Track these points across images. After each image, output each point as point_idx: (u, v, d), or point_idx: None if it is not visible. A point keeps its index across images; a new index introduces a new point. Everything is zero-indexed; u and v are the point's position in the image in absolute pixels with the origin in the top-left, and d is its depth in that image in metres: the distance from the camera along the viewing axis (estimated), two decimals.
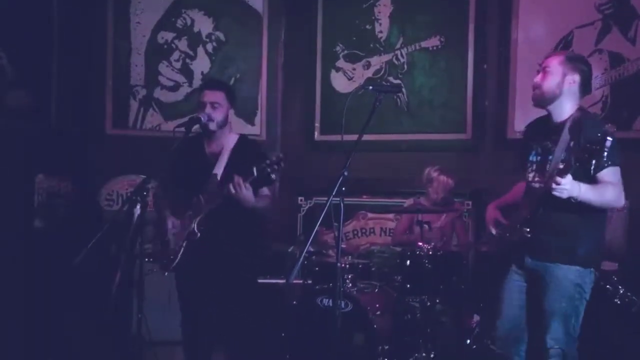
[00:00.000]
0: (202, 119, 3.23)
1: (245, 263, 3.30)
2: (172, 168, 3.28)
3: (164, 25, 5.14)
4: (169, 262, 3.20)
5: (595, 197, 2.55)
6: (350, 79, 5.10)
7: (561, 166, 2.43)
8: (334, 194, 2.45)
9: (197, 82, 5.09)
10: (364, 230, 5.00)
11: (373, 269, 4.18)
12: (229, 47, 5.21)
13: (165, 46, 5.15)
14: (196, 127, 3.31)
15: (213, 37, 5.19)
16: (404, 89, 4.82)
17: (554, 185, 2.43)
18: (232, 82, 5.13)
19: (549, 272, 2.67)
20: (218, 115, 3.26)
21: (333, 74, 5.16)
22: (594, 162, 2.39)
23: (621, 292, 3.51)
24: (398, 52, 4.94)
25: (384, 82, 4.80)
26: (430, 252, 3.80)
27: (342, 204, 2.48)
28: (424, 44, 4.85)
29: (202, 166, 3.31)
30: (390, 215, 4.88)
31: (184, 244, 3.18)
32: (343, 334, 3.52)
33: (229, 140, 3.33)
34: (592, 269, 2.71)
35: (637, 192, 3.97)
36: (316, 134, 5.21)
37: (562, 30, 4.31)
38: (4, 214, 4.31)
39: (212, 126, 3.25)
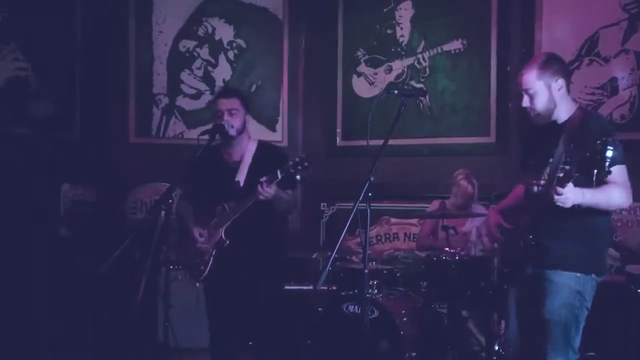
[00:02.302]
0: (225, 126, 3.24)
1: (272, 270, 3.30)
2: (193, 177, 3.29)
3: (186, 34, 5.17)
4: (199, 273, 3.20)
5: (601, 200, 2.44)
6: (371, 83, 5.08)
7: (561, 174, 2.32)
8: (360, 199, 2.43)
9: (218, 89, 5.11)
10: (387, 236, 4.97)
11: (398, 274, 4.13)
12: (250, 54, 5.22)
13: (187, 54, 5.18)
14: (219, 135, 3.32)
15: (234, 45, 5.22)
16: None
17: (555, 197, 2.33)
18: (253, 88, 5.15)
19: (548, 279, 2.57)
20: (236, 122, 3.28)
21: (354, 79, 5.15)
22: (595, 172, 2.25)
23: None
24: (420, 56, 4.91)
25: (406, 87, 4.78)
26: (457, 258, 3.76)
27: (368, 210, 2.46)
28: (445, 47, 4.82)
29: (224, 174, 3.31)
30: (414, 220, 4.84)
31: (213, 253, 3.18)
32: (369, 340, 3.48)
33: (249, 147, 3.34)
34: (593, 275, 2.59)
35: None
36: (338, 139, 5.20)
37: (587, 31, 4.25)
38: (30, 223, 4.35)
39: (232, 132, 3.26)
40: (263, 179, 3.01)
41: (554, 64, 2.62)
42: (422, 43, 4.89)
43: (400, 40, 4.98)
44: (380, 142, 2.63)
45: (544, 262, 2.57)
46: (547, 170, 2.53)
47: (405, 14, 4.96)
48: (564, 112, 2.63)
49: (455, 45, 4.78)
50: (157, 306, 3.96)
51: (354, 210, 2.40)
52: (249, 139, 3.39)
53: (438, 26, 4.83)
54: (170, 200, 2.93)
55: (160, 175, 4.69)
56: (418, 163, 4.90)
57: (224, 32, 5.20)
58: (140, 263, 3.08)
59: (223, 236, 3.17)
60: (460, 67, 4.78)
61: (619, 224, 4.07)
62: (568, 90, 2.63)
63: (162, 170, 4.48)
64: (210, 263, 3.17)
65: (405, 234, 4.93)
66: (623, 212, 4.06)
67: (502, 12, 4.59)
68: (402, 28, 4.97)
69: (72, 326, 4.24)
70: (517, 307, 2.73)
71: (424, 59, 4.90)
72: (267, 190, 3.00)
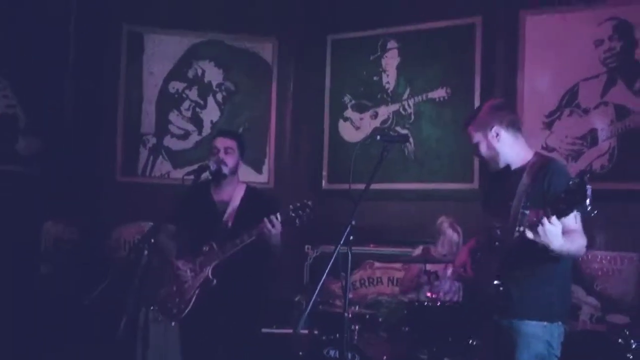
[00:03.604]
0: (211, 167, 3.27)
1: (254, 311, 3.28)
2: (181, 215, 3.30)
3: (176, 75, 5.24)
4: (179, 311, 3.17)
5: (572, 247, 2.45)
6: (357, 128, 5.15)
7: (540, 212, 2.31)
8: (341, 243, 2.44)
9: (206, 130, 5.16)
10: (371, 280, 4.96)
11: (380, 319, 4.12)
12: (238, 96, 5.29)
13: (176, 95, 5.24)
14: (205, 174, 3.35)
15: (223, 87, 5.29)
16: (411, 139, 4.85)
17: (547, 226, 2.27)
18: (240, 130, 5.19)
19: (516, 330, 2.56)
20: (230, 161, 3.32)
21: (341, 123, 5.22)
22: (575, 212, 2.27)
23: (634, 346, 3.43)
24: (405, 103, 5.00)
25: (391, 132, 4.84)
26: (438, 303, 3.76)
27: (349, 254, 2.47)
28: (430, 95, 4.92)
29: (211, 214, 3.32)
30: (398, 265, 4.83)
31: (197, 292, 3.16)
32: None
33: (237, 190, 3.37)
34: (559, 323, 2.60)
35: None
36: (324, 182, 5.23)
37: (567, 83, 4.36)
38: (10, 260, 4.31)
39: (225, 170, 3.30)
40: (274, 216, 3.01)
41: (489, 115, 2.72)
42: (408, 90, 4.99)
43: (386, 87, 5.07)
44: (364, 186, 2.66)
45: (510, 311, 2.56)
46: (509, 214, 2.53)
47: (391, 61, 5.07)
48: (514, 157, 2.69)
49: (439, 93, 4.87)
50: (136, 346, 3.90)
51: (335, 253, 2.41)
52: (238, 182, 3.43)
53: (423, 74, 4.94)
54: (153, 240, 2.93)
55: (144, 214, 4.68)
56: (403, 207, 4.93)
57: (213, 74, 5.28)
58: (121, 302, 3.06)
59: (210, 275, 3.15)
60: (444, 114, 4.86)
61: (599, 273, 4.10)
62: (514, 135, 2.69)
63: (146, 209, 4.47)
64: (192, 302, 3.14)
65: (389, 278, 4.92)
66: (603, 262, 4.10)
67: (486, 62, 4.71)
68: (388, 75, 5.08)
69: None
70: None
71: (409, 105, 4.99)
72: (277, 226, 3.00)
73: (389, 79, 5.07)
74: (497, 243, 2.60)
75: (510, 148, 2.70)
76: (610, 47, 4.23)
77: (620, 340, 3.47)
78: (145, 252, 2.94)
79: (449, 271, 4.25)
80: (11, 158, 4.64)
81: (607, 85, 4.24)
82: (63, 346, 4.21)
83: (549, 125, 4.40)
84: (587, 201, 2.19)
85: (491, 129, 2.69)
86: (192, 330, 3.26)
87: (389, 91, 5.07)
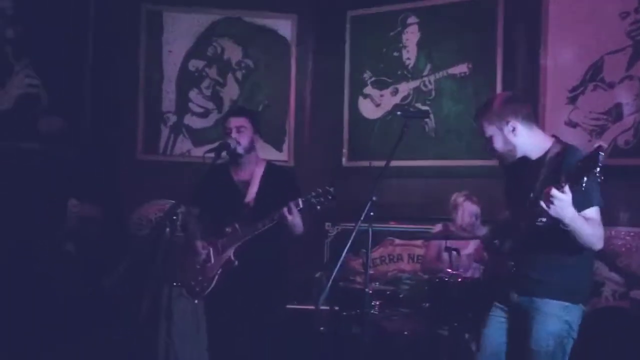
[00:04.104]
0: (231, 144, 3.27)
1: (277, 292, 3.30)
2: (202, 195, 3.31)
3: (195, 54, 5.25)
4: (202, 290, 3.20)
5: (586, 230, 2.37)
6: (377, 105, 5.12)
7: (554, 184, 2.27)
8: (362, 219, 2.45)
9: (226, 108, 5.16)
10: (391, 257, 4.97)
11: (401, 295, 4.14)
12: (258, 74, 5.28)
13: (196, 74, 5.25)
14: (224, 154, 3.35)
15: (242, 65, 5.28)
16: (431, 115, 4.81)
17: (554, 194, 2.23)
18: (260, 108, 5.20)
19: (536, 308, 2.51)
20: (244, 139, 3.30)
21: (361, 100, 5.19)
22: (585, 179, 2.17)
23: None
24: (426, 79, 4.95)
25: (411, 109, 4.81)
26: (459, 280, 3.76)
27: (370, 230, 2.47)
28: (451, 71, 4.86)
29: (232, 194, 3.33)
30: (418, 242, 4.84)
31: (219, 272, 3.18)
32: None
33: (257, 168, 3.36)
34: (581, 305, 2.56)
35: None
36: (344, 159, 5.22)
37: (592, 57, 4.27)
38: (36, 238, 4.39)
39: (240, 149, 3.29)
40: (293, 204, 3.02)
41: (504, 108, 2.60)
42: (428, 66, 4.94)
43: (407, 63, 5.02)
44: (384, 163, 2.66)
45: (531, 290, 2.53)
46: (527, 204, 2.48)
47: (411, 37, 5.01)
48: (533, 149, 2.60)
49: (461, 68, 4.82)
50: (159, 323, 3.96)
51: (355, 230, 2.42)
52: (258, 159, 3.42)
53: (444, 50, 4.88)
54: (175, 217, 2.95)
55: (166, 193, 4.72)
56: (423, 185, 4.91)
57: (233, 52, 5.27)
58: (143, 280, 3.10)
59: (232, 257, 3.17)
60: (465, 90, 4.81)
61: (623, 249, 4.06)
62: (528, 126, 2.59)
63: (168, 187, 4.51)
64: (215, 281, 3.17)
65: (409, 255, 4.93)
66: (627, 238, 4.05)
67: (508, 36, 4.63)
68: (408, 51, 5.02)
69: (75, 342, 4.25)
70: (491, 334, 2.66)
71: (429, 82, 4.94)
72: (294, 219, 3.02)
73: (409, 55, 5.02)
74: (515, 228, 2.55)
75: (528, 140, 2.60)
76: (636, 19, 4.13)
77: None
78: (167, 229, 2.97)
79: (469, 248, 4.24)
80: (34, 136, 4.70)
81: (632, 59, 4.15)
82: (86, 323, 4.29)
83: (572, 100, 4.33)
84: (598, 168, 2.14)
85: (507, 124, 2.58)
86: (216, 307, 3.29)
87: (409, 67, 5.02)
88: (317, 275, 4.34)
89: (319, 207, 3.00)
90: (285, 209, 3.02)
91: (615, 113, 4.19)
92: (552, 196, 2.24)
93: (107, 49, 5.03)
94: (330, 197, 2.98)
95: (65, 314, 4.25)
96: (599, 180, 2.20)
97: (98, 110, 5.00)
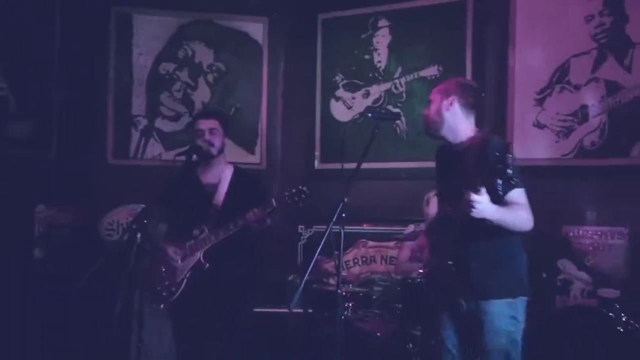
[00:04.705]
0: (202, 146, 3.26)
1: (246, 293, 3.29)
2: (169, 198, 3.29)
3: (166, 57, 5.21)
4: (169, 294, 3.17)
5: (510, 217, 2.51)
6: (349, 107, 5.14)
7: (471, 186, 2.40)
8: (334, 220, 2.46)
9: (197, 111, 5.13)
10: (364, 259, 4.99)
11: (374, 297, 4.16)
12: (229, 77, 5.27)
13: (167, 77, 5.21)
14: (195, 156, 3.33)
15: (214, 68, 5.26)
16: (403, 118, 4.85)
17: (472, 199, 2.37)
18: (232, 111, 5.18)
19: (483, 310, 2.64)
20: (217, 141, 3.31)
21: (333, 103, 5.21)
22: (499, 181, 2.32)
23: (624, 319, 3.48)
24: (397, 81, 4.99)
25: (383, 111, 4.84)
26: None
27: (342, 231, 2.48)
28: (422, 73, 4.90)
29: (200, 196, 3.32)
30: (391, 243, 4.86)
31: (188, 275, 3.16)
32: None
33: (225, 171, 3.36)
34: (521, 297, 2.67)
35: (636, 218, 4.01)
36: (316, 162, 5.23)
37: (559, 59, 4.35)
38: (3, 245, 4.31)
39: (213, 150, 3.29)
40: (257, 209, 3.01)
41: (454, 86, 2.82)
42: (399, 69, 4.98)
43: (378, 66, 5.06)
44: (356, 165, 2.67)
45: (475, 295, 2.65)
46: (455, 194, 2.58)
47: (382, 40, 5.05)
48: (457, 133, 2.78)
49: (431, 71, 4.87)
50: (131, 328, 3.92)
51: (327, 231, 2.43)
52: (225, 162, 3.42)
53: (414, 52, 4.92)
54: (145, 221, 2.93)
55: (137, 197, 4.68)
56: (396, 186, 4.94)
57: (204, 55, 5.24)
58: (115, 285, 3.06)
59: (202, 259, 3.16)
60: None
61: (590, 248, 4.14)
62: (465, 114, 2.77)
63: (139, 191, 4.46)
64: (183, 285, 3.15)
65: (382, 256, 4.96)
66: (594, 237, 4.13)
67: (477, 39, 4.70)
68: (379, 54, 5.06)
69: (47, 349, 4.18)
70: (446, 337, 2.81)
71: (400, 84, 4.98)
72: (263, 220, 3.01)
73: (381, 58, 5.05)
74: (449, 225, 2.65)
75: (457, 122, 2.77)
76: (600, 22, 4.23)
77: (611, 314, 3.51)
78: (139, 234, 2.94)
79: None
80: (1, 141, 4.60)
81: (597, 61, 4.24)
82: (58, 330, 4.22)
83: (540, 102, 4.41)
84: (508, 170, 2.28)
85: (448, 98, 2.77)
86: (183, 312, 3.26)
87: (380, 70, 5.06)
88: (290, 277, 4.34)
89: (292, 207, 3.02)
90: (249, 214, 3.03)
91: (582, 114, 4.28)
92: (471, 201, 2.37)
93: (76, 52, 4.96)
94: (303, 196, 3.00)
95: (37, 322, 4.19)
96: (512, 181, 2.34)
97: (67, 114, 4.93)
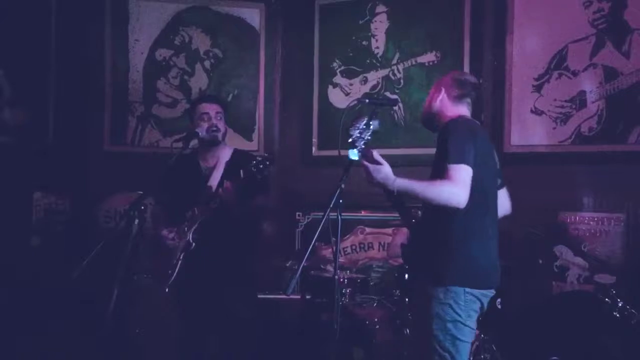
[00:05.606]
0: (200, 133, 3.25)
1: (242, 276, 3.30)
2: (169, 183, 3.29)
3: (162, 43, 5.18)
4: (166, 277, 3.20)
5: (416, 187, 2.59)
6: (347, 94, 5.13)
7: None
8: (331, 207, 2.46)
9: (194, 98, 5.11)
10: (362, 245, 5.00)
11: (372, 283, 4.17)
12: (226, 63, 5.24)
13: (164, 63, 5.18)
14: (194, 142, 3.33)
15: (211, 54, 5.23)
16: (400, 104, 4.84)
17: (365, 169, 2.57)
18: (229, 98, 5.16)
19: (422, 292, 2.62)
20: (222, 125, 3.32)
21: (330, 89, 5.19)
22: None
23: (620, 305, 3.50)
24: (394, 68, 4.97)
25: (380, 97, 4.82)
26: None
27: (339, 218, 2.48)
28: (420, 60, 4.89)
29: (198, 179, 3.33)
30: (389, 230, 4.87)
31: (181, 257, 3.18)
32: (342, 348, 3.50)
33: (224, 154, 3.36)
34: (465, 288, 2.57)
35: (634, 204, 4.02)
36: (314, 149, 5.22)
37: (556, 45, 4.34)
38: (0, 233, 4.31)
39: (220, 136, 3.31)
40: (226, 181, 3.03)
41: (447, 79, 2.92)
42: (397, 55, 4.96)
43: (376, 52, 5.04)
44: None
45: (418, 276, 2.72)
46: None
47: (380, 26, 5.02)
48: (440, 118, 2.88)
49: (429, 57, 4.85)
50: (130, 313, 3.93)
51: (325, 217, 2.43)
52: (225, 146, 3.42)
53: (412, 38, 4.90)
54: (143, 207, 2.93)
55: (135, 184, 4.64)
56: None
57: (201, 41, 5.22)
58: (113, 271, 3.07)
59: (190, 239, 3.17)
60: (434, 78, 4.81)
61: (587, 234, 4.15)
62: (452, 102, 2.87)
63: (137, 178, 4.44)
64: (177, 267, 3.17)
65: (379, 243, 4.97)
66: (591, 223, 4.15)
67: (475, 25, 4.67)
68: (377, 40, 5.03)
69: (44, 337, 4.19)
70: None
71: (398, 70, 4.96)
72: (230, 190, 3.01)
73: (378, 44, 5.03)
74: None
75: (443, 112, 2.86)
76: (598, 7, 4.21)
77: (607, 299, 3.53)
78: (136, 220, 2.94)
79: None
80: None
81: (596, 47, 4.23)
82: (55, 317, 4.23)
83: (538, 89, 4.40)
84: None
85: (439, 90, 2.89)
86: (181, 295, 3.28)
87: (378, 56, 5.04)
88: (288, 264, 4.35)
89: (259, 176, 3.02)
90: (221, 188, 3.03)
91: (579, 101, 4.27)
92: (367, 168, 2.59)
93: (72, 39, 4.94)
94: (268, 163, 3.01)
95: (34, 308, 4.20)
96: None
97: (63, 101, 4.91)
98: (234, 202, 3.06)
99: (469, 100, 2.89)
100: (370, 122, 2.56)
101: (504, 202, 2.94)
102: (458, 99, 2.87)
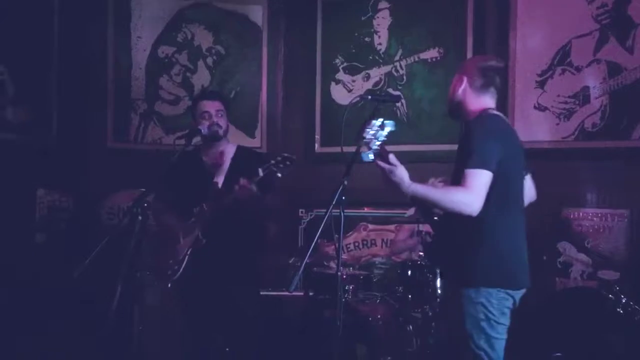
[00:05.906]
0: (203, 130, 3.25)
1: (249, 273, 3.30)
2: (170, 181, 3.29)
3: (165, 40, 5.18)
4: (173, 273, 3.19)
5: (430, 193, 2.58)
6: (350, 90, 5.12)
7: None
8: (333, 203, 2.46)
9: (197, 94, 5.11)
10: (365, 242, 5.00)
11: (374, 280, 4.18)
12: (229, 60, 5.24)
13: (166, 60, 5.18)
14: (196, 139, 3.33)
15: (213, 51, 5.23)
16: (403, 100, 4.83)
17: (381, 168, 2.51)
18: (232, 95, 5.16)
19: (461, 294, 2.60)
20: (223, 123, 3.32)
21: (333, 86, 5.18)
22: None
23: (623, 301, 3.50)
24: (397, 64, 4.96)
25: (383, 94, 4.82)
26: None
27: (342, 214, 2.48)
28: (422, 56, 4.88)
29: (202, 176, 3.33)
30: (392, 227, 4.87)
31: (189, 252, 3.18)
32: (345, 345, 3.51)
33: (228, 150, 3.36)
34: (498, 289, 2.56)
35: (636, 200, 4.01)
36: (316, 146, 5.22)
37: (560, 41, 4.33)
38: (4, 229, 4.31)
39: (221, 132, 3.30)
40: (242, 179, 3.02)
41: (469, 65, 2.87)
42: (400, 51, 4.95)
43: (378, 48, 5.03)
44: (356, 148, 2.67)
45: (451, 278, 2.70)
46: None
47: (383, 22, 5.01)
48: (466, 112, 2.79)
49: (432, 53, 4.84)
50: (133, 310, 3.94)
51: (327, 214, 2.42)
52: (228, 143, 3.42)
53: (415, 35, 4.89)
54: (146, 205, 2.93)
55: (138, 181, 4.65)
56: None
57: (203, 38, 5.21)
58: (116, 268, 3.07)
59: (200, 235, 3.17)
60: (437, 75, 4.83)
61: (591, 231, 4.14)
62: (475, 92, 2.77)
63: (140, 175, 4.44)
64: (184, 262, 3.17)
65: (382, 240, 4.96)
66: (594, 219, 4.14)
67: (478, 21, 4.66)
68: (379, 36, 5.02)
69: (46, 333, 4.20)
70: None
71: (401, 66, 4.95)
72: (248, 187, 3.01)
73: (381, 40, 5.02)
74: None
75: (466, 101, 2.77)
76: (602, 3, 4.19)
77: (610, 295, 3.53)
78: (140, 217, 2.94)
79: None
80: (1, 126, 4.60)
81: (599, 43, 4.21)
82: (56, 316, 4.24)
83: (541, 84, 4.39)
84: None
85: (461, 76, 2.79)
86: (187, 291, 3.28)
87: (380, 52, 5.02)
88: (291, 261, 4.35)
89: (279, 174, 3.01)
90: (237, 185, 3.02)
91: (583, 96, 4.26)
92: (382, 168, 2.55)
93: (74, 36, 4.93)
94: (289, 163, 3.00)
95: (38, 305, 4.20)
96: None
97: (66, 99, 4.91)
98: (248, 200, 3.05)
99: (492, 89, 2.79)
100: (385, 122, 2.48)
101: (529, 189, 2.92)
102: (481, 89, 2.76)
